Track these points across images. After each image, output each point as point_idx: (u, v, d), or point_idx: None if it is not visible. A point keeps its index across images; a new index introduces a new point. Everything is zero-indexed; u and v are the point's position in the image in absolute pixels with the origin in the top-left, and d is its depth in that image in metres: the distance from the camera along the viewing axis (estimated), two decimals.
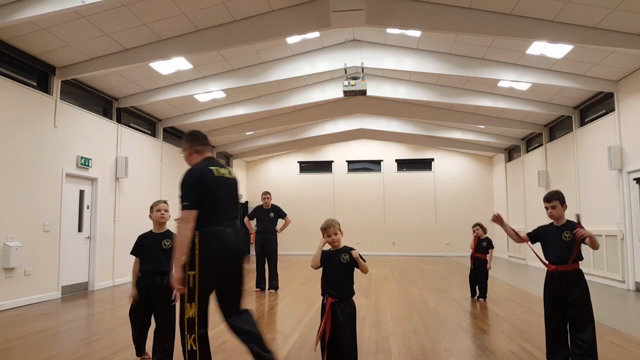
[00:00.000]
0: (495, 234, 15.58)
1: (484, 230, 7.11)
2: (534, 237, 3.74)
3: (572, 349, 3.36)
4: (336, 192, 17.27)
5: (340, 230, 3.33)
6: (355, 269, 3.30)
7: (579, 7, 6.20)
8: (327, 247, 3.36)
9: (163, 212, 3.90)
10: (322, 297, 3.31)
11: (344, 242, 3.41)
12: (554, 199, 3.54)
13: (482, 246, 7.05)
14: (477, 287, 7.03)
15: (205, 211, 2.91)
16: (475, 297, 7.00)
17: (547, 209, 3.59)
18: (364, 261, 3.25)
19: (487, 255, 7.00)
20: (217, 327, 5.16)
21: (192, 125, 12.02)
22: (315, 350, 3.19)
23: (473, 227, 7.20)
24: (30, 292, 6.81)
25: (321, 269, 3.33)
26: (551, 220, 3.64)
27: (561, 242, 3.46)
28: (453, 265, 12.45)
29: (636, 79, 7.78)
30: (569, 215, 3.59)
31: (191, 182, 3.01)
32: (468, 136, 14.25)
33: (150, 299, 3.70)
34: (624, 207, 7.98)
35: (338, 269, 3.26)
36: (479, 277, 6.98)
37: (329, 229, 3.29)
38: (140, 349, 3.84)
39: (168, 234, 3.87)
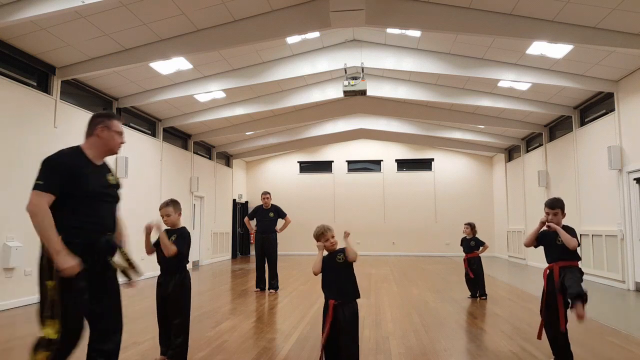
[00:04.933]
0: (495, 234, 15.61)
1: (474, 230, 7.14)
2: (539, 241, 3.87)
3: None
4: (336, 192, 17.27)
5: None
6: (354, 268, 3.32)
7: (579, 7, 6.20)
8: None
9: (164, 217, 3.84)
10: (324, 300, 3.31)
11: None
12: (557, 207, 3.69)
13: (470, 246, 7.09)
14: (476, 287, 7.04)
15: None
16: (477, 297, 7.00)
17: (547, 214, 3.70)
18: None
19: (480, 249, 7.08)
20: (217, 327, 5.16)
21: (192, 126, 12.04)
22: (321, 353, 3.18)
23: (464, 226, 7.24)
24: (31, 292, 6.79)
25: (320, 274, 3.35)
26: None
27: (555, 246, 3.67)
28: (453, 265, 12.45)
29: (636, 79, 7.78)
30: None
31: None
32: (468, 136, 14.25)
33: (163, 296, 3.72)
34: (624, 207, 7.98)
35: (336, 271, 3.27)
36: (475, 276, 7.00)
37: (326, 232, 3.29)
38: (162, 348, 3.77)
39: (175, 231, 3.80)
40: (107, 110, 2.84)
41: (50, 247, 2.32)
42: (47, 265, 2.35)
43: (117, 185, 2.76)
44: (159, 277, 3.78)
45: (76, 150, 2.59)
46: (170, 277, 3.72)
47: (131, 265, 2.71)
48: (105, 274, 2.57)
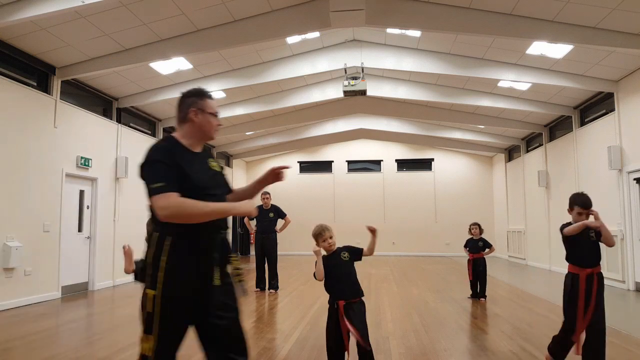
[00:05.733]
0: (495, 234, 15.60)
1: (481, 230, 7.11)
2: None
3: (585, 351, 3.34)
4: (336, 192, 17.27)
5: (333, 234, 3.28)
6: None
7: (579, 7, 6.20)
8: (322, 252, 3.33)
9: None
10: (330, 304, 3.25)
11: (345, 242, 3.42)
12: (591, 205, 3.38)
13: (478, 246, 7.05)
14: (477, 287, 7.01)
15: None
16: (477, 297, 6.98)
17: (580, 214, 3.39)
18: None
19: (486, 251, 7.04)
20: None
21: None
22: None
23: (471, 226, 7.15)
24: (30, 292, 6.80)
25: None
26: (569, 220, 3.52)
27: (588, 244, 3.37)
28: (453, 265, 12.45)
29: (636, 79, 7.78)
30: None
31: None
32: (468, 136, 14.25)
33: None
34: (624, 207, 7.98)
35: (342, 269, 3.23)
36: (481, 277, 6.97)
37: (324, 232, 3.22)
38: None
39: None
40: (197, 88, 2.34)
41: (223, 213, 2.04)
42: (150, 271, 2.03)
43: (222, 172, 2.38)
44: None
45: (171, 141, 2.23)
46: None
47: (239, 277, 2.25)
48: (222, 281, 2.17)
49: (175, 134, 2.28)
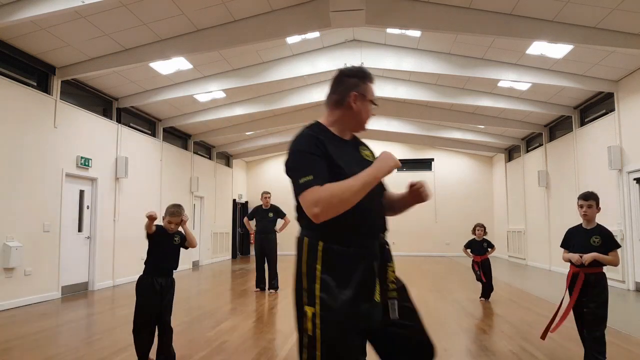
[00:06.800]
0: (495, 234, 15.61)
1: (485, 231, 7.11)
2: (567, 244, 3.63)
3: (585, 346, 3.39)
4: None
5: None
6: None
7: (579, 7, 6.20)
8: None
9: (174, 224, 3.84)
10: None
11: None
12: (591, 199, 3.47)
13: (483, 247, 7.04)
14: (487, 289, 6.98)
15: None
16: (480, 297, 6.98)
17: (581, 207, 3.49)
18: None
19: (489, 251, 7.03)
20: (217, 327, 5.16)
21: (192, 126, 12.04)
22: None
23: (477, 227, 7.11)
24: (30, 292, 6.80)
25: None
26: (579, 222, 3.57)
27: (589, 247, 3.41)
28: (453, 265, 12.44)
29: (636, 79, 7.78)
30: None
31: None
32: (468, 136, 14.25)
33: (157, 297, 3.69)
34: (624, 207, 7.98)
35: None
36: (487, 277, 6.95)
37: None
38: (144, 351, 3.68)
39: (178, 233, 3.89)
40: (358, 67, 1.88)
41: (373, 179, 1.67)
42: (306, 284, 1.69)
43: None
44: (154, 279, 3.66)
45: (318, 128, 1.85)
46: (169, 279, 3.74)
47: (398, 293, 1.88)
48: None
49: (322, 120, 1.91)
